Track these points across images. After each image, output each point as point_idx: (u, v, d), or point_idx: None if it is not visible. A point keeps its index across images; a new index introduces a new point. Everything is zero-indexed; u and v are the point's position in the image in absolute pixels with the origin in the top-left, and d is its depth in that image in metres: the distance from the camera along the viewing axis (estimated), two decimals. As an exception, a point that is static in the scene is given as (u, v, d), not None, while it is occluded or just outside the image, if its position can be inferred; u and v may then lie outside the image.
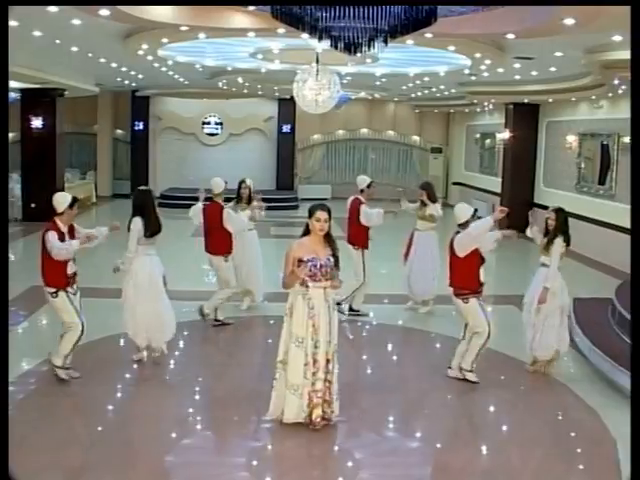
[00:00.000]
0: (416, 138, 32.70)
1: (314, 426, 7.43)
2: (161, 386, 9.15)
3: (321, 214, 7.39)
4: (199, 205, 11.51)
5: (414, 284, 12.83)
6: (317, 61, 13.69)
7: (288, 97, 28.80)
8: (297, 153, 31.60)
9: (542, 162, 22.60)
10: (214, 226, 11.22)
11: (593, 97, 18.63)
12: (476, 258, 9.11)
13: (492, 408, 8.86)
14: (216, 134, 31.12)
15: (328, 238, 7.53)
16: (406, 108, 31.92)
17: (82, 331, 8.70)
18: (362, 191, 12.40)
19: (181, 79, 22.75)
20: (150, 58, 15.71)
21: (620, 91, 16.65)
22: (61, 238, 8.54)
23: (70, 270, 8.71)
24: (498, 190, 24.41)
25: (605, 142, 18.60)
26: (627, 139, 17.37)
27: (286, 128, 30.86)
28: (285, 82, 21.64)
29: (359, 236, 12.19)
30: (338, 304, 10.87)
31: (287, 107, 30.14)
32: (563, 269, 9.55)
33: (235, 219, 11.32)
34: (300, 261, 7.33)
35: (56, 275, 8.56)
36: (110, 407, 8.46)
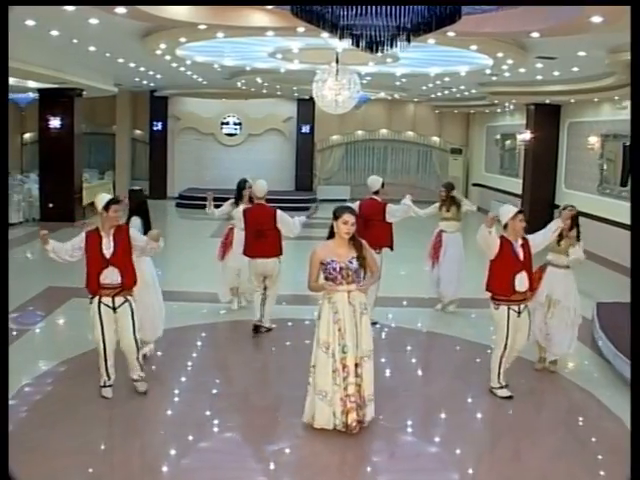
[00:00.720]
0: (436, 139, 32.47)
1: (350, 431, 7.34)
2: (179, 389, 9.00)
3: (348, 217, 7.26)
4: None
5: (445, 286, 12.75)
6: (337, 61, 13.56)
7: (307, 97, 28.76)
8: (316, 154, 31.40)
9: (563, 163, 22.33)
10: (266, 228, 10.81)
11: (616, 98, 18.33)
12: (511, 261, 8.48)
13: (515, 414, 8.55)
14: (235, 134, 30.96)
15: (354, 241, 7.39)
16: (426, 109, 31.69)
17: (104, 350, 8.18)
18: (376, 192, 12.14)
19: (200, 79, 22.65)
20: (168, 58, 15.58)
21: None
22: (98, 242, 8.18)
23: (105, 279, 8.07)
24: (519, 192, 24.17)
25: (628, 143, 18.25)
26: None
27: (305, 129, 30.73)
28: (304, 82, 21.56)
29: (382, 238, 11.73)
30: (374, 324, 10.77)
31: (306, 107, 30.02)
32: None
33: (288, 220, 11.03)
34: (322, 264, 7.32)
35: (88, 279, 8.17)
36: (126, 411, 8.20)
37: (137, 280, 8.31)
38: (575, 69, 15.91)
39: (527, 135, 22.89)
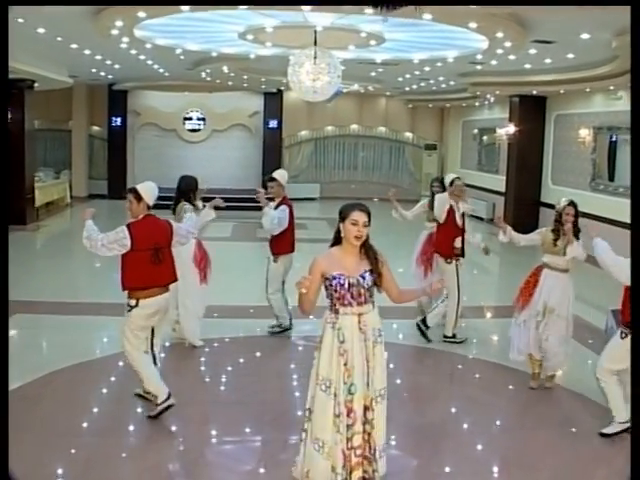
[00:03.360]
0: (409, 135, 31.34)
1: None
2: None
3: (359, 216, 5.55)
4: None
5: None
6: (315, 42, 12.13)
7: (275, 90, 27.68)
8: (284, 150, 29.90)
9: (550, 159, 21.14)
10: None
11: (611, 87, 17.20)
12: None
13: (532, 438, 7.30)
14: (198, 130, 29.44)
15: (366, 249, 5.71)
16: (398, 103, 30.49)
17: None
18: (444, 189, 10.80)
19: (161, 70, 21.21)
20: (126, 40, 13.98)
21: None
22: None
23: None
24: (499, 188, 23.12)
25: (626, 136, 17.22)
26: (651, 132, 15.96)
27: (272, 124, 29.25)
28: (274, 72, 20.25)
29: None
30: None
31: (274, 101, 28.88)
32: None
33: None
34: (326, 278, 5.63)
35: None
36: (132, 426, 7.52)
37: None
38: (570, 55, 14.76)
39: (511, 128, 21.68)
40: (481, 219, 23.30)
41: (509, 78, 18.75)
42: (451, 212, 10.44)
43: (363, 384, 5.65)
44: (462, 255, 10.59)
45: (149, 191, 7.57)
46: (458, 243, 10.38)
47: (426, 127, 31.36)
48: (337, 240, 5.72)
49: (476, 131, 27.46)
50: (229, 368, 9.45)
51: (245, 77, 22.16)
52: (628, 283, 6.69)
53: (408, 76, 20.87)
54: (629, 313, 6.79)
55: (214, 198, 10.00)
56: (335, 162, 31.03)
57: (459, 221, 10.50)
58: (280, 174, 10.75)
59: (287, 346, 10.51)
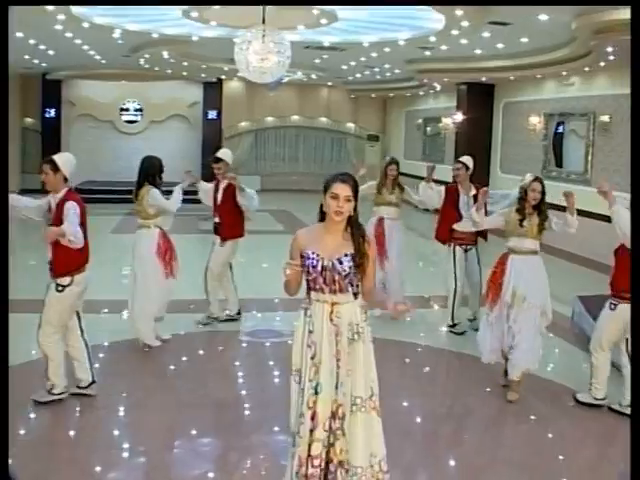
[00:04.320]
0: (351, 125, 30.93)
1: None
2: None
3: (340, 188, 4.71)
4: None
5: (393, 285, 10.68)
6: (263, 20, 11.50)
7: (215, 80, 26.92)
8: (224, 142, 29.05)
9: (499, 147, 20.88)
10: None
11: (564, 73, 16.93)
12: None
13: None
14: (135, 121, 28.62)
15: (353, 229, 4.88)
16: (340, 93, 30.05)
17: None
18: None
19: (97, 56, 20.37)
20: (62, 19, 13.18)
21: (602, 63, 14.95)
22: None
23: None
24: (446, 178, 22.56)
25: (578, 122, 17.13)
26: (605, 118, 15.84)
27: (212, 114, 28.47)
28: (216, 59, 19.59)
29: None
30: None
31: (213, 91, 28.19)
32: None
33: None
34: (301, 255, 4.84)
35: None
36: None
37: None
38: (524, 40, 14.37)
39: (458, 117, 21.28)
40: (427, 210, 22.90)
41: (458, 64, 18.29)
42: (451, 196, 10.19)
43: (330, 385, 4.80)
44: (471, 242, 10.22)
45: (67, 162, 7.21)
46: (458, 227, 9.84)
47: (368, 118, 30.98)
48: (323, 216, 4.91)
49: (420, 121, 27.11)
50: (175, 367, 8.77)
51: (185, 64, 21.32)
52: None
53: (353, 63, 20.35)
54: (618, 284, 7.19)
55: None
56: (276, 154, 30.53)
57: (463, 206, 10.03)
58: (226, 153, 10.27)
59: (234, 341, 9.79)
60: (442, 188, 10.40)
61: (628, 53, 13.05)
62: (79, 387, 7.34)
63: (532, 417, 7.45)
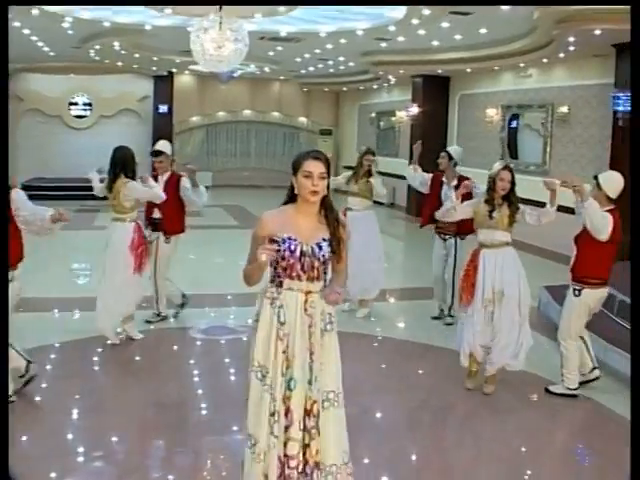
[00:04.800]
0: (303, 120, 30.71)
1: None
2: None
3: (314, 166, 4.33)
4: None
5: (353, 280, 10.25)
6: (220, 6, 11.22)
7: (166, 73, 26.51)
8: (175, 137, 28.59)
9: (454, 139, 20.67)
10: None
11: (522, 64, 16.85)
12: None
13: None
14: (84, 116, 28.00)
15: (326, 210, 4.53)
16: (293, 87, 29.81)
17: None
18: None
19: (46, 48, 19.83)
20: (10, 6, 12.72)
21: (562, 54, 14.86)
22: None
23: None
24: (400, 172, 22.40)
25: (536, 114, 17.11)
26: (563, 109, 15.80)
27: (163, 109, 27.85)
28: (168, 51, 19.24)
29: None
30: None
31: (164, 85, 27.66)
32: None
33: None
34: (272, 241, 4.40)
35: None
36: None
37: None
38: (483, 30, 14.26)
39: (413, 109, 21.13)
40: (381, 204, 22.73)
41: (415, 56, 18.16)
42: (435, 184, 10.19)
43: (303, 380, 4.45)
44: (449, 232, 10.08)
45: None
46: (437, 215, 9.65)
47: (321, 112, 30.79)
48: (291, 199, 4.54)
49: (374, 115, 26.94)
50: (129, 367, 8.31)
51: (137, 56, 20.85)
52: (604, 237, 7.03)
53: (307, 56, 20.11)
54: (580, 270, 7.29)
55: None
56: (227, 149, 30.21)
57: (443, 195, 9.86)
58: (165, 145, 9.78)
59: (187, 339, 9.35)
60: (427, 175, 10.35)
61: (589, 43, 13.14)
62: (21, 377, 6.88)
63: (507, 409, 7.30)
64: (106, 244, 8.67)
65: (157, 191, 8.78)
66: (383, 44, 16.95)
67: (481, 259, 7.45)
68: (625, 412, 6.61)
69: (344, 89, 28.86)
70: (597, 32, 12.05)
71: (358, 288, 10.13)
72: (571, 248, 7.56)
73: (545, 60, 15.85)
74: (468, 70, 18.77)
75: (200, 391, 7.70)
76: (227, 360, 8.56)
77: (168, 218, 9.42)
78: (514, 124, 18.08)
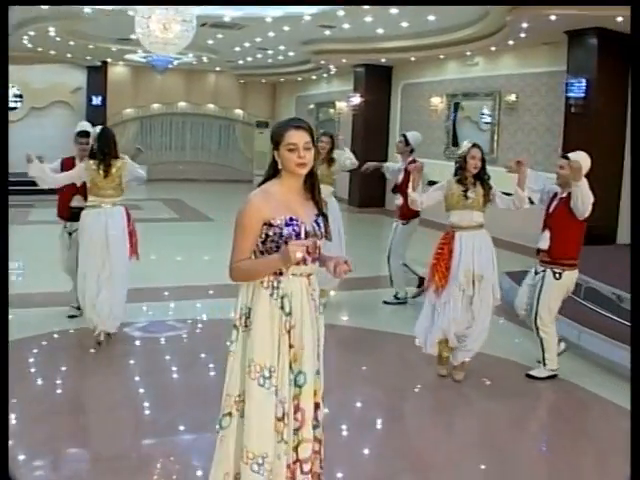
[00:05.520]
0: (239, 112, 30.28)
1: None
2: None
3: (297, 136, 3.87)
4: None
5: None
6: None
7: (99, 63, 25.82)
8: (110, 130, 28.06)
9: (397, 129, 20.43)
10: None
11: (468, 53, 16.72)
12: None
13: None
14: (15, 108, 26.93)
15: (313, 185, 4.08)
16: (229, 79, 29.37)
17: None
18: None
19: (-25, 35, 18.97)
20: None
21: (511, 42, 14.73)
22: None
23: None
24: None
25: (482, 102, 17.03)
26: (511, 97, 15.74)
27: (96, 100, 27.01)
28: (104, 39, 18.73)
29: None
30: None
31: (98, 76, 26.82)
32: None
33: None
34: (269, 225, 3.88)
35: None
36: None
37: None
38: (431, 17, 14.08)
39: (356, 99, 20.89)
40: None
41: (358, 45, 17.97)
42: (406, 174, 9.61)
43: (313, 372, 4.00)
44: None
45: None
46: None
47: (257, 104, 30.40)
48: (273, 174, 4.03)
49: (312, 106, 26.65)
50: (67, 368, 7.65)
51: (72, 44, 20.19)
52: (586, 215, 7.09)
53: (247, 44, 19.83)
54: (558, 253, 7.25)
55: None
56: (162, 142, 29.52)
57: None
58: (89, 125, 9.03)
59: (124, 336, 8.47)
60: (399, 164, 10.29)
61: (541, 30, 13.02)
62: None
63: (488, 395, 7.12)
64: (105, 231, 8.00)
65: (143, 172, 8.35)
66: (327, 32, 16.70)
67: (457, 242, 7.17)
68: (605, 393, 7.00)
69: (281, 80, 28.52)
70: (552, 17, 11.91)
71: (320, 277, 9.72)
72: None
73: (493, 48, 15.72)
74: (412, 59, 18.61)
75: (142, 390, 7.12)
76: (168, 357, 8.03)
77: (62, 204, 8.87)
78: (460, 113, 17.97)
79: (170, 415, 6.21)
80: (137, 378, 7.44)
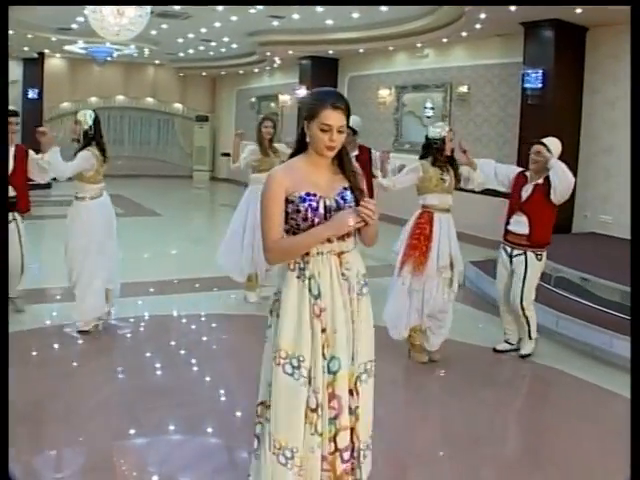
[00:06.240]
0: (179, 106, 29.90)
1: None
2: None
3: (334, 118, 3.57)
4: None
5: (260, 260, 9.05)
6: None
7: (36, 55, 25.24)
8: (44, 124, 27.36)
9: (343, 120, 20.32)
10: None
11: (419, 45, 16.66)
12: None
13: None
14: (-55, 103, 26.37)
15: (341, 159, 3.79)
16: (168, 72, 28.92)
17: None
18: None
19: None
20: None
21: (464, 33, 14.71)
22: None
23: None
24: (283, 158, 22.11)
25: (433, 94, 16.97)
26: (463, 89, 15.80)
27: (32, 94, 26.28)
28: (44, 28, 18.30)
29: None
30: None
31: (34, 68, 26.00)
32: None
33: None
34: (289, 201, 3.65)
35: None
36: None
37: None
38: (384, 8, 13.98)
39: (301, 92, 20.74)
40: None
41: (306, 36, 17.81)
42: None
43: (348, 357, 3.73)
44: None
45: None
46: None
47: (197, 98, 30.05)
48: (301, 147, 3.76)
49: (254, 100, 26.44)
50: (49, 366, 7.44)
51: (11, 32, 19.61)
52: (567, 197, 7.46)
53: (191, 36, 19.55)
54: (538, 236, 7.49)
55: None
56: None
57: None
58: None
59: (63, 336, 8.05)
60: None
61: (497, 21, 12.98)
62: None
63: (471, 382, 7.02)
64: (102, 218, 7.92)
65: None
66: (275, 22, 16.49)
67: (437, 224, 7.13)
68: (586, 376, 7.19)
69: (222, 73, 28.18)
70: (512, 8, 11.86)
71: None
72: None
73: (445, 40, 15.67)
74: (361, 50, 18.48)
75: (126, 387, 6.81)
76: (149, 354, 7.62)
77: (22, 195, 8.34)
78: (409, 105, 17.93)
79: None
80: (121, 376, 7.00)
